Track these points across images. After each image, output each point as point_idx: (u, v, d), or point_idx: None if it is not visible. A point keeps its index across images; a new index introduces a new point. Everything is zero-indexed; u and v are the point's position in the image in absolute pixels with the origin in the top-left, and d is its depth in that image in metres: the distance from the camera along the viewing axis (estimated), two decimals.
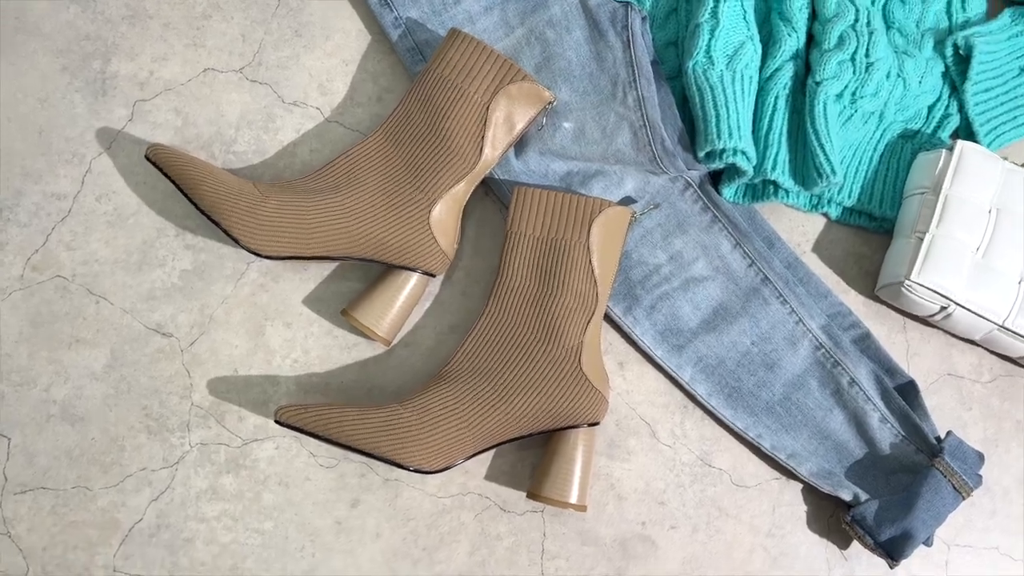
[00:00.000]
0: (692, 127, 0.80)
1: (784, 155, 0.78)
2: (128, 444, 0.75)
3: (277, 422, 0.70)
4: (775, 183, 0.79)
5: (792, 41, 0.79)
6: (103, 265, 0.77)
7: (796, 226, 0.83)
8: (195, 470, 0.75)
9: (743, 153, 0.75)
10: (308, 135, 0.80)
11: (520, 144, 0.80)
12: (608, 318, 0.80)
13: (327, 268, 0.79)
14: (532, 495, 0.72)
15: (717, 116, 0.75)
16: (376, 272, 0.78)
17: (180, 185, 0.71)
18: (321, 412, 0.69)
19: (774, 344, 0.79)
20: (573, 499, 0.72)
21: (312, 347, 0.78)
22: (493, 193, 0.81)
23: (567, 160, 0.80)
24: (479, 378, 0.72)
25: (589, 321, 0.73)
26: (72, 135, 0.78)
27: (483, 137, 0.75)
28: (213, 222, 0.71)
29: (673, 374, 0.78)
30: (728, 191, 0.81)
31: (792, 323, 0.79)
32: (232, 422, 0.76)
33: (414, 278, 0.75)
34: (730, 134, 0.74)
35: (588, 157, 0.79)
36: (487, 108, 0.74)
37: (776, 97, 0.78)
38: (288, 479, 0.76)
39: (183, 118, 0.80)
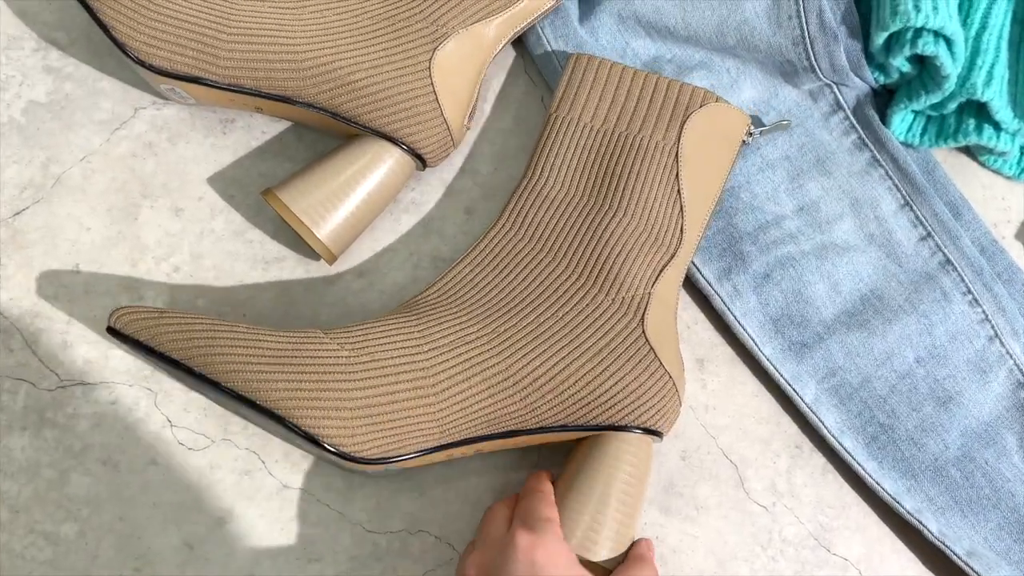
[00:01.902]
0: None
1: (1003, 68, 0.49)
2: None
3: (109, 329, 0.39)
4: (977, 115, 0.51)
5: None
6: None
7: (994, 197, 0.54)
8: None
9: (947, 41, 0.47)
10: None
11: (589, 0, 0.52)
12: (691, 282, 0.49)
13: (257, 134, 0.49)
14: None
15: None
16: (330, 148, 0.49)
17: None
18: (186, 322, 0.39)
19: (953, 367, 0.48)
20: (599, 557, 0.41)
21: (208, 251, 0.48)
22: (534, 67, 0.52)
23: (658, 37, 0.51)
24: (472, 321, 0.42)
25: (664, 267, 0.45)
26: None
27: None
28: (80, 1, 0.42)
29: (787, 389, 0.47)
30: (900, 122, 0.52)
31: (984, 338, 0.49)
32: (49, 348, 0.45)
33: (389, 161, 0.45)
34: (934, 7, 0.46)
35: (692, 34, 0.51)
36: None
37: None
38: (120, 457, 0.45)
39: None
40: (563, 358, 0.42)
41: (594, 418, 0.42)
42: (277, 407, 0.38)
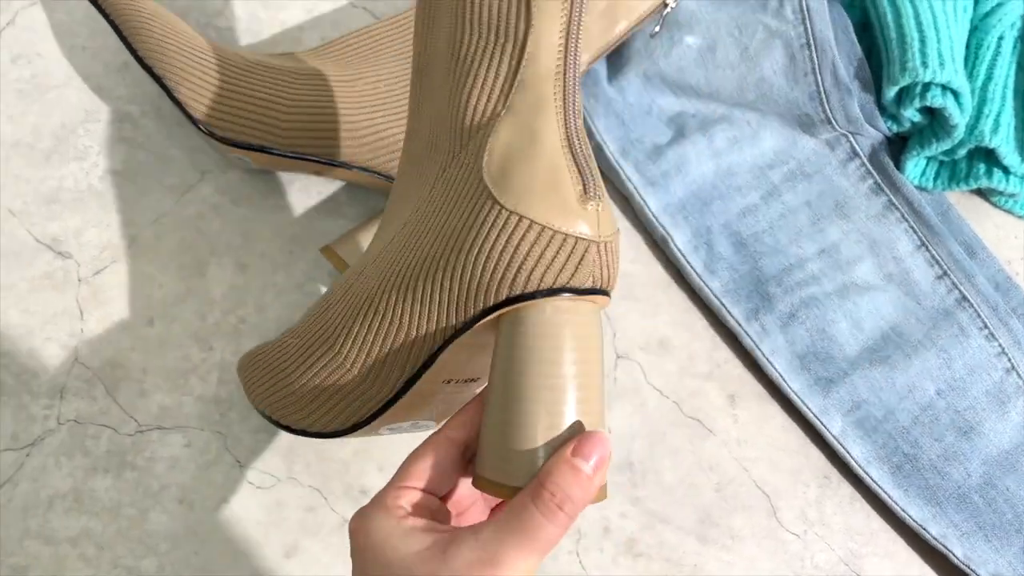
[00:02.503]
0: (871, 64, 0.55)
1: (1010, 116, 0.53)
2: None
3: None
4: (987, 160, 0.54)
5: None
6: None
7: (1007, 236, 0.56)
8: (56, 460, 0.48)
9: (954, 93, 0.50)
10: (322, 19, 0.57)
11: (616, 62, 0.56)
12: (720, 322, 0.53)
13: (314, 194, 0.54)
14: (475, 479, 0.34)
15: (922, 38, 0.50)
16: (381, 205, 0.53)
17: (119, 25, 0.47)
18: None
19: (972, 398, 0.51)
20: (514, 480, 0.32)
21: (271, 304, 0.51)
22: None
23: (682, 94, 0.55)
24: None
25: (517, 67, 0.33)
26: None
27: None
28: (155, 77, 0.47)
29: (815, 422, 0.50)
30: (913, 168, 0.55)
31: (1001, 370, 0.51)
32: (128, 396, 0.49)
33: None
34: (941, 62, 0.49)
35: (714, 91, 0.54)
36: None
37: (1000, 38, 0.54)
38: (195, 496, 0.48)
39: None
40: (431, 253, 0.34)
41: (473, 308, 0.33)
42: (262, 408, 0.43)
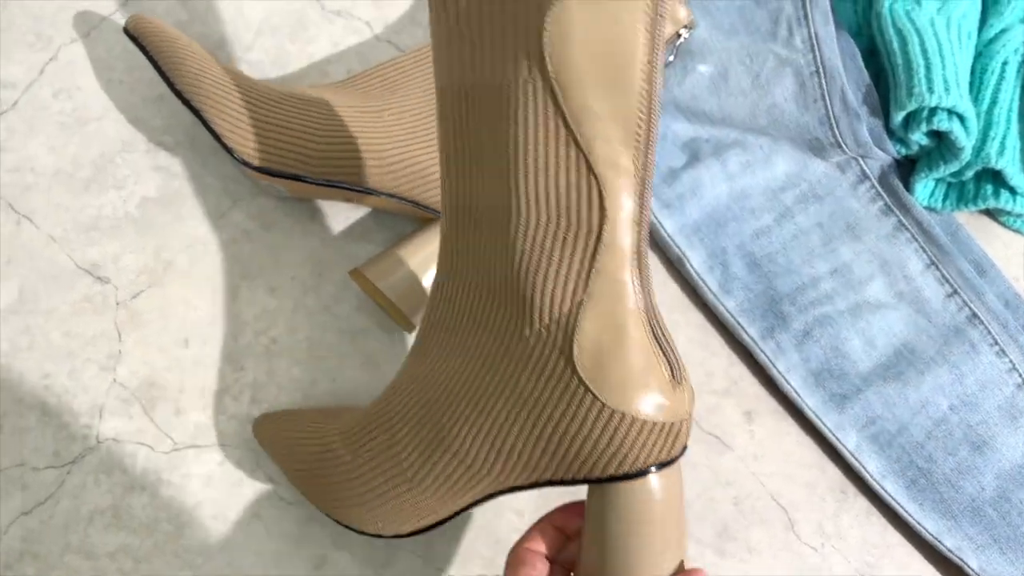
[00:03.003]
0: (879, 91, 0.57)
1: (1015, 139, 0.54)
2: (7, 424, 0.50)
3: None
4: (994, 181, 0.55)
5: None
6: (39, 176, 0.55)
7: (1016, 254, 0.58)
8: (96, 478, 0.50)
9: (960, 118, 0.52)
10: (348, 52, 0.60)
11: None
12: (736, 340, 0.54)
13: (342, 220, 0.56)
14: None
15: (927, 65, 0.52)
16: (407, 230, 0.55)
17: (158, 60, 0.50)
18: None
19: (984, 413, 0.52)
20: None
21: (301, 325, 0.53)
22: None
23: (695, 120, 0.57)
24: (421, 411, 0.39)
25: (594, 255, 0.33)
26: (43, 13, 0.59)
27: None
28: (193, 110, 0.49)
29: (830, 438, 0.52)
30: (922, 189, 0.56)
31: (1013, 386, 0.52)
32: (165, 415, 0.51)
33: None
34: (946, 88, 0.51)
35: (726, 117, 0.56)
36: None
37: (1005, 63, 0.55)
38: (229, 511, 0.50)
39: (190, 11, 0.60)
40: (503, 424, 0.36)
41: (559, 475, 0.36)
42: (320, 506, 0.45)
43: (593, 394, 0.34)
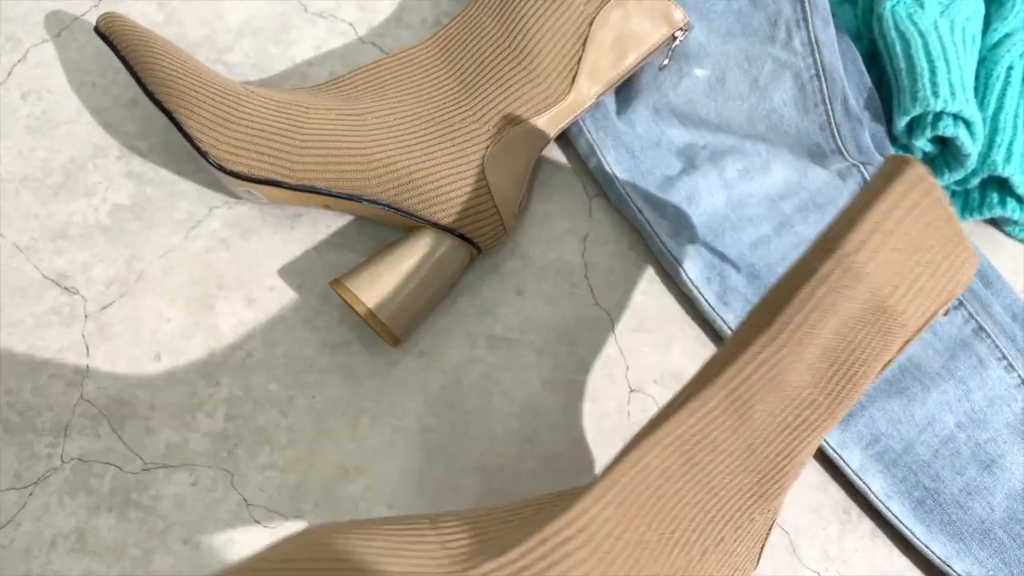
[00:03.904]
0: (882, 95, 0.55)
1: (1021, 145, 0.52)
2: None
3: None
4: (1000, 189, 0.53)
5: None
6: (6, 182, 0.53)
7: (1022, 265, 0.56)
8: (60, 499, 0.47)
9: (966, 123, 0.50)
10: (331, 55, 0.57)
11: (626, 94, 0.56)
12: None
13: (323, 228, 0.53)
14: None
15: (932, 69, 0.50)
16: (390, 239, 0.52)
17: (129, 60, 0.48)
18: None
19: (993, 430, 0.50)
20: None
21: (279, 339, 0.51)
22: (576, 156, 0.56)
23: (691, 126, 0.55)
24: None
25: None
26: (13, 14, 0.57)
27: (579, 61, 0.51)
28: (164, 111, 0.46)
29: (833, 456, 0.49)
30: None
31: (1022, 402, 0.50)
32: (135, 433, 0.49)
33: (447, 250, 0.49)
34: (952, 92, 0.49)
35: (724, 122, 0.54)
36: (591, 21, 0.51)
37: (1010, 68, 0.54)
38: (201, 535, 0.47)
39: (167, 13, 0.57)
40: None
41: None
42: None
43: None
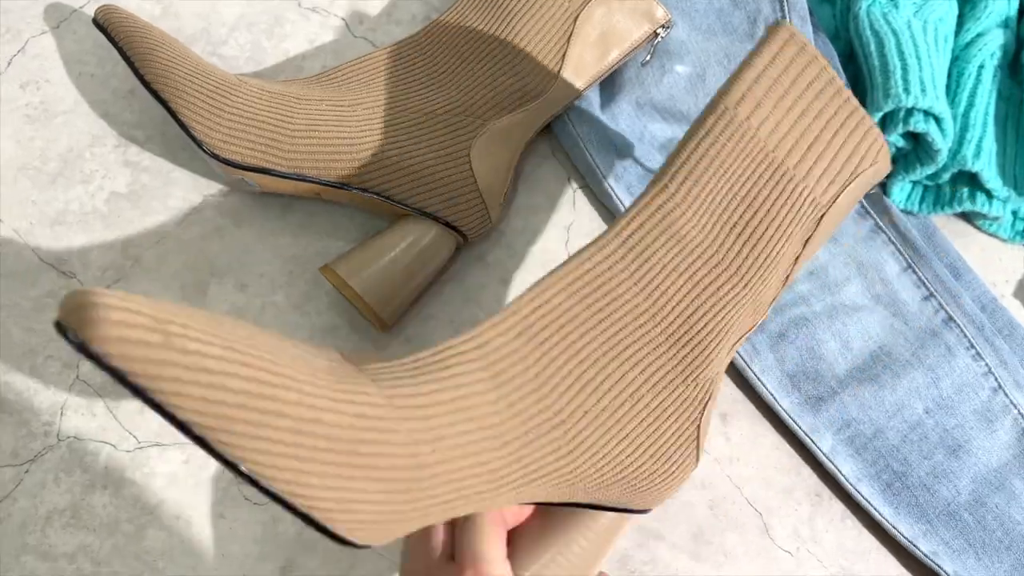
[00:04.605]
0: (856, 90, 0.57)
1: (991, 142, 0.54)
2: None
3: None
4: (970, 184, 0.55)
5: (1002, 2, 0.57)
6: (5, 169, 0.54)
7: (992, 259, 0.58)
8: (55, 476, 0.49)
9: (936, 119, 0.52)
10: (323, 49, 0.59)
11: (609, 89, 0.57)
12: None
13: (314, 216, 0.55)
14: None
15: (904, 66, 0.52)
16: (379, 227, 0.54)
17: (126, 50, 0.49)
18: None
19: (960, 417, 0.51)
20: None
21: (271, 322, 0.52)
22: (561, 149, 0.57)
23: (673, 121, 0.56)
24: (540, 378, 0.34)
25: (739, 340, 0.40)
26: (12, 6, 0.58)
27: (564, 56, 0.53)
28: (160, 100, 0.48)
29: (805, 440, 0.51)
30: (899, 192, 0.56)
31: (988, 389, 0.52)
32: (129, 412, 0.50)
33: (435, 238, 0.50)
34: (922, 89, 0.51)
35: None
36: (575, 17, 0.53)
37: (981, 67, 0.55)
38: (193, 512, 0.49)
39: (164, 6, 0.59)
40: (637, 446, 0.36)
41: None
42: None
43: (696, 454, 0.39)
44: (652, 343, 0.36)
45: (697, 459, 0.39)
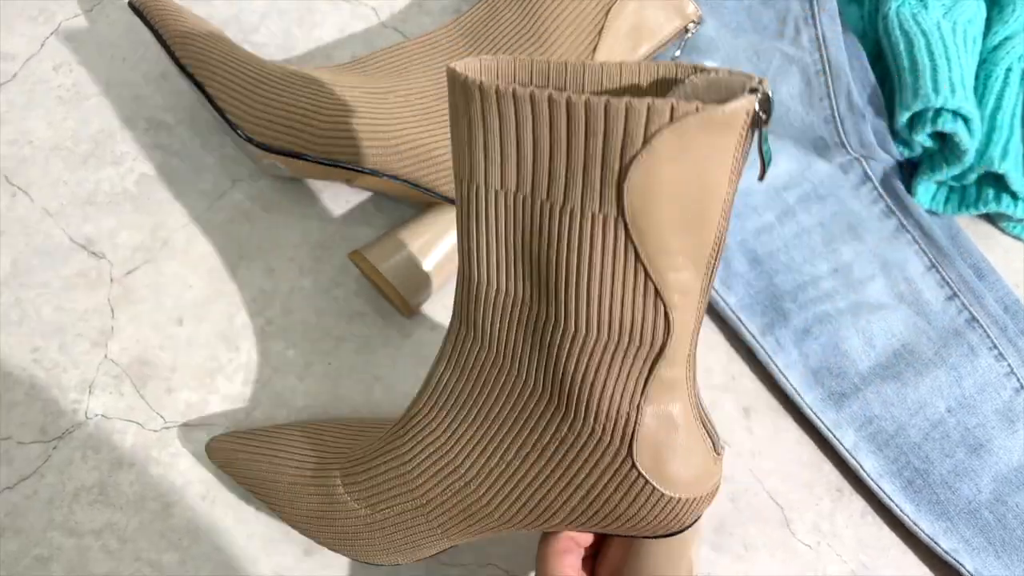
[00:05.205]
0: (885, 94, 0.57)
1: (1018, 144, 0.54)
2: None
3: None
4: (995, 186, 0.55)
5: None
6: (37, 149, 0.55)
7: (1015, 261, 0.58)
8: (83, 454, 0.49)
9: (964, 120, 0.52)
10: (353, 38, 0.59)
11: None
12: (736, 335, 0.54)
13: (343, 203, 0.55)
14: None
15: (934, 66, 0.52)
16: (407, 215, 0.54)
17: (162, 34, 0.49)
18: (248, 460, 0.47)
19: (982, 416, 0.52)
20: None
21: (298, 307, 0.53)
22: None
23: None
24: (459, 447, 0.39)
25: (654, 366, 0.34)
26: None
27: (595, 49, 0.53)
28: (196, 83, 0.48)
29: (828, 435, 0.51)
30: (924, 192, 0.56)
31: (1011, 390, 0.52)
32: (156, 393, 0.50)
33: None
34: (952, 89, 0.51)
35: None
36: (607, 12, 0.53)
37: (1008, 70, 0.56)
38: (218, 492, 0.49)
39: None
40: (552, 500, 0.38)
41: (605, 531, 0.39)
42: (330, 547, 0.44)
43: (653, 486, 0.36)
44: (531, 401, 0.37)
45: (663, 492, 0.36)
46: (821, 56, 0.55)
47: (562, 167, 0.30)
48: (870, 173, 0.56)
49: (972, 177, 0.54)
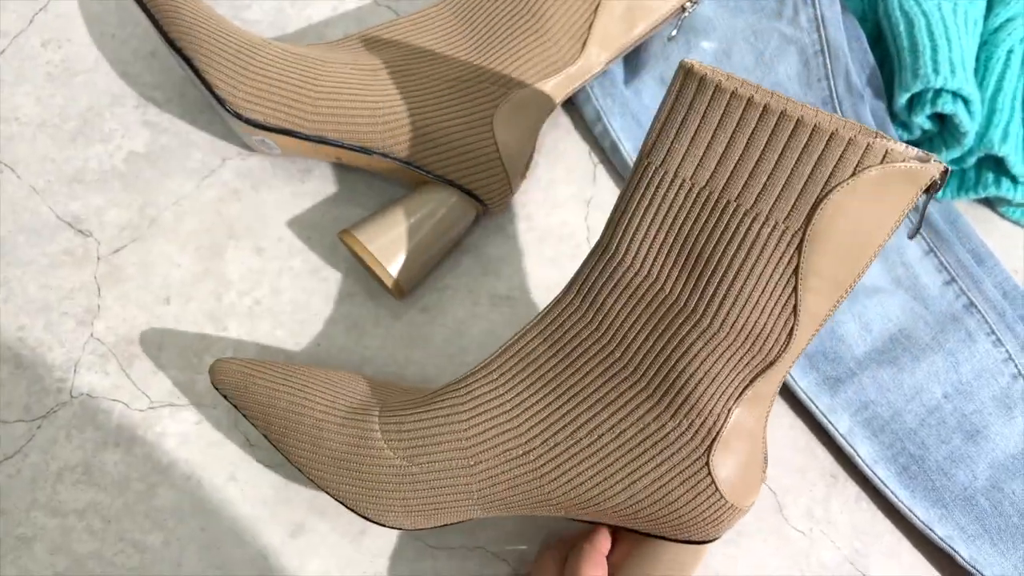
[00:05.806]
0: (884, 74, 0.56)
1: (1019, 127, 0.54)
2: None
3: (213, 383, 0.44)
4: (995, 169, 0.54)
5: None
6: (24, 126, 0.54)
7: (1014, 245, 0.57)
8: (67, 433, 0.48)
9: (964, 101, 0.51)
10: (346, 16, 0.59)
11: (634, 63, 0.57)
12: None
13: (333, 182, 0.54)
14: None
15: (934, 47, 0.51)
16: (398, 194, 0.53)
17: (151, 8, 0.49)
18: (270, 393, 0.43)
19: (979, 402, 0.51)
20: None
21: (286, 287, 0.52)
22: (583, 123, 0.57)
23: None
24: (523, 416, 0.39)
25: (756, 378, 0.37)
26: None
27: (590, 27, 0.52)
28: (184, 58, 0.48)
29: (822, 421, 0.51)
30: None
31: (1008, 376, 0.51)
32: (142, 372, 0.50)
33: (454, 206, 0.50)
34: (952, 70, 0.50)
35: None
36: None
37: (1010, 52, 0.55)
38: (203, 472, 0.48)
39: None
40: (611, 486, 0.38)
41: (638, 527, 0.40)
42: (342, 498, 0.41)
43: (716, 488, 0.38)
44: (623, 384, 0.38)
45: (723, 497, 0.38)
46: (820, 36, 0.54)
47: (763, 175, 0.34)
48: None
49: (971, 160, 0.54)
